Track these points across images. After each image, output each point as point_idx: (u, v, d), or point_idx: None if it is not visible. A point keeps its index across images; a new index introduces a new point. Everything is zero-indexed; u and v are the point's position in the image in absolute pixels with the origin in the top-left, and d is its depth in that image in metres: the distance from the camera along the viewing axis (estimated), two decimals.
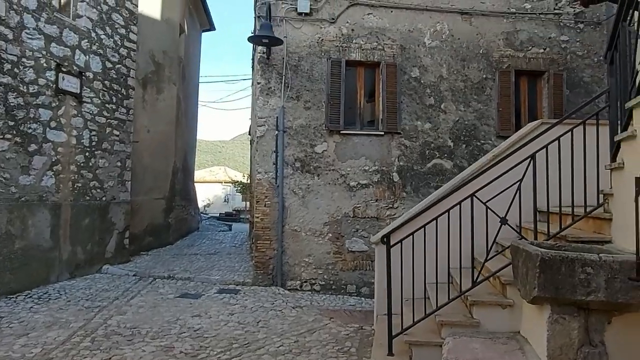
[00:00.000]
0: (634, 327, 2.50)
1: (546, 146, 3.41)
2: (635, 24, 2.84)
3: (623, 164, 2.92)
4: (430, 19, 7.71)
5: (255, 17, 7.68)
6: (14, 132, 5.80)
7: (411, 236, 3.73)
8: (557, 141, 3.40)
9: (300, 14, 7.36)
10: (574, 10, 7.81)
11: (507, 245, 3.47)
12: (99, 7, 7.44)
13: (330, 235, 7.30)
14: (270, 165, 7.21)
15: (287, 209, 7.21)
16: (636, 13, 2.90)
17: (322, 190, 7.31)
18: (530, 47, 7.77)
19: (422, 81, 7.64)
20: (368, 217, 7.41)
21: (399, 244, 3.78)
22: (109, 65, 7.68)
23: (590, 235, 3.33)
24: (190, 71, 13.59)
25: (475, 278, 3.59)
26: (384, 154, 7.49)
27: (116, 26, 7.90)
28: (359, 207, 7.38)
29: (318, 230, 7.27)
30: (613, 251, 2.81)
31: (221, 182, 52.12)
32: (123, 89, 8.06)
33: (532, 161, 3.43)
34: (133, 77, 8.39)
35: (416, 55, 7.65)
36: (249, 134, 14.23)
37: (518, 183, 3.44)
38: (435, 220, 3.66)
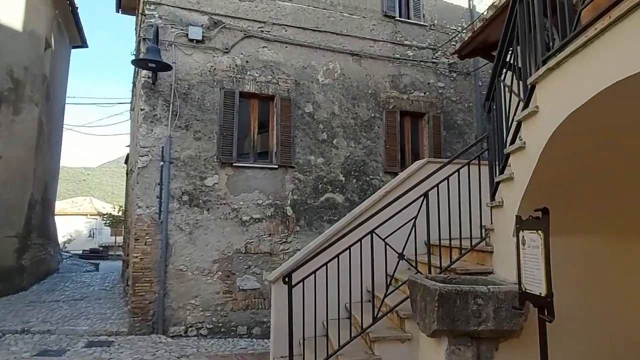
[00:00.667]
0: (517, 350, 2.70)
1: (437, 185, 3.63)
2: (509, 80, 3.23)
3: (502, 202, 3.21)
4: (323, 57, 8.02)
5: (139, 39, 7.15)
6: None
7: (313, 274, 3.62)
8: (446, 180, 3.65)
9: (191, 40, 7.06)
10: (449, 61, 8.83)
11: (405, 279, 3.56)
12: None
13: (220, 273, 6.86)
14: (153, 199, 6.59)
15: (171, 247, 6.61)
16: (509, 72, 3.30)
17: (212, 225, 6.89)
18: (412, 91, 8.52)
19: (315, 117, 7.82)
20: (261, 253, 7.16)
21: (301, 283, 3.64)
22: None
23: (475, 267, 3.58)
24: (55, 91, 12.06)
25: (375, 314, 3.60)
26: (277, 187, 7.40)
27: None
28: (252, 242, 7.10)
29: (207, 268, 6.78)
30: (497, 282, 3.03)
31: (85, 215, 46.44)
32: None
33: (425, 199, 3.62)
34: None
35: (310, 92, 7.84)
36: (125, 164, 13.04)
37: (413, 220, 3.59)
38: (337, 257, 3.62)
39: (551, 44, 2.61)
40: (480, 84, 9.02)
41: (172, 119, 6.77)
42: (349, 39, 8.27)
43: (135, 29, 12.72)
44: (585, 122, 2.20)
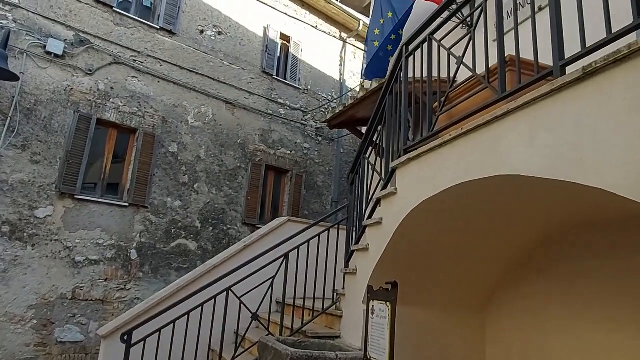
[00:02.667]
0: None
1: (298, 247, 3.77)
2: (373, 159, 3.63)
3: (355, 270, 3.47)
4: (197, 99, 7.88)
5: None
6: None
7: (158, 332, 3.32)
8: (307, 243, 3.81)
9: (49, 53, 6.29)
10: (316, 125, 9.47)
11: (256, 341, 3.51)
12: None
13: (36, 321, 5.79)
14: None
15: None
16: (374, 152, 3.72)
17: (35, 264, 5.86)
18: (280, 147, 8.84)
19: (179, 158, 7.51)
20: (92, 300, 6.29)
21: (142, 342, 3.30)
22: None
23: (325, 330, 3.73)
24: None
25: None
26: (125, 227, 6.74)
27: None
28: (83, 287, 6.22)
29: (18, 315, 5.67)
30: (344, 347, 3.20)
31: None
32: None
33: (285, 260, 3.70)
34: None
35: (177, 131, 7.55)
36: None
37: (271, 280, 3.62)
38: (187, 315, 3.40)
39: (413, 136, 3.04)
40: (342, 151, 9.84)
41: (5, 134, 5.78)
42: (226, 87, 8.34)
43: None
44: (436, 208, 2.58)
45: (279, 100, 9.05)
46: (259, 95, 8.75)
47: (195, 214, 7.57)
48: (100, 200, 6.57)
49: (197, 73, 7.97)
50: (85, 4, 6.80)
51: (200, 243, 7.56)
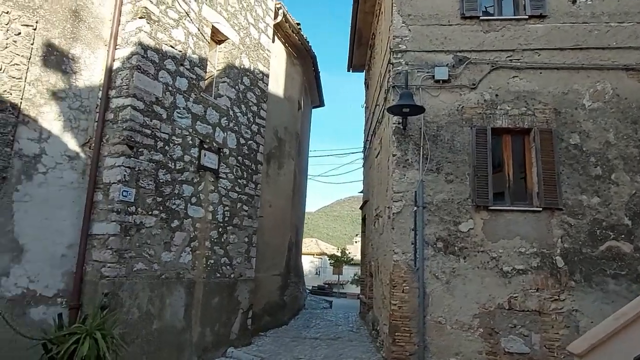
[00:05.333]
0: None
1: None
2: None
3: None
4: (587, 78, 6.79)
5: (388, 87, 7.38)
6: (161, 208, 5.84)
7: None
8: None
9: (437, 81, 6.92)
10: None
11: None
12: (236, 86, 7.74)
13: (482, 330, 6.13)
14: (409, 245, 6.44)
15: (428, 296, 6.27)
16: None
17: (470, 274, 6.30)
18: None
19: (584, 148, 6.57)
20: (528, 311, 6.15)
21: None
22: (242, 141, 7.81)
23: None
24: (304, 146, 13.82)
25: None
26: (542, 233, 6.36)
27: (250, 104, 8.15)
28: (517, 296, 6.18)
29: (467, 323, 6.16)
30: None
31: (312, 255, 51.84)
32: (253, 164, 8.11)
33: None
34: (262, 153, 8.46)
35: (575, 120, 6.67)
36: (361, 209, 13.73)
37: None
38: None
39: None
40: None
41: (422, 162, 6.64)
42: (621, 53, 6.82)
43: (365, 83, 13.70)
44: None
45: None
46: None
47: (620, 210, 6.34)
48: (511, 208, 6.49)
49: (580, 49, 6.90)
50: (455, 24, 7.16)
51: (635, 244, 6.23)
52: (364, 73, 13.98)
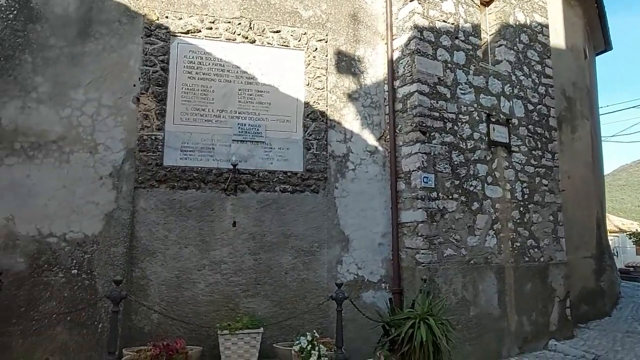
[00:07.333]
0: None
1: None
2: None
3: None
4: None
5: None
6: (460, 191, 5.61)
7: None
8: None
9: None
10: None
11: None
12: (515, 47, 6.82)
13: None
14: None
15: None
16: None
17: None
18: None
19: None
20: None
21: None
22: (530, 107, 6.83)
23: None
24: (594, 103, 11.38)
25: None
26: None
27: (532, 64, 7.07)
28: None
29: None
30: None
31: (607, 232, 43.06)
32: (546, 132, 7.00)
33: None
34: (554, 117, 7.24)
35: None
36: None
37: None
38: None
39: None
40: None
41: None
42: None
43: None
44: None
45: None
46: None
47: None
48: None
49: None
50: None
51: None
52: None
